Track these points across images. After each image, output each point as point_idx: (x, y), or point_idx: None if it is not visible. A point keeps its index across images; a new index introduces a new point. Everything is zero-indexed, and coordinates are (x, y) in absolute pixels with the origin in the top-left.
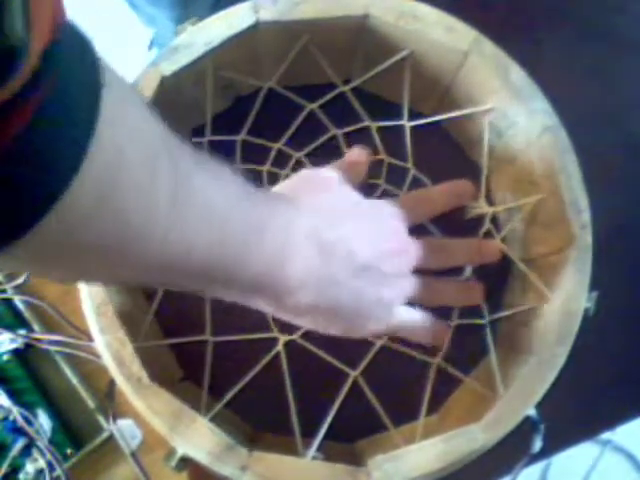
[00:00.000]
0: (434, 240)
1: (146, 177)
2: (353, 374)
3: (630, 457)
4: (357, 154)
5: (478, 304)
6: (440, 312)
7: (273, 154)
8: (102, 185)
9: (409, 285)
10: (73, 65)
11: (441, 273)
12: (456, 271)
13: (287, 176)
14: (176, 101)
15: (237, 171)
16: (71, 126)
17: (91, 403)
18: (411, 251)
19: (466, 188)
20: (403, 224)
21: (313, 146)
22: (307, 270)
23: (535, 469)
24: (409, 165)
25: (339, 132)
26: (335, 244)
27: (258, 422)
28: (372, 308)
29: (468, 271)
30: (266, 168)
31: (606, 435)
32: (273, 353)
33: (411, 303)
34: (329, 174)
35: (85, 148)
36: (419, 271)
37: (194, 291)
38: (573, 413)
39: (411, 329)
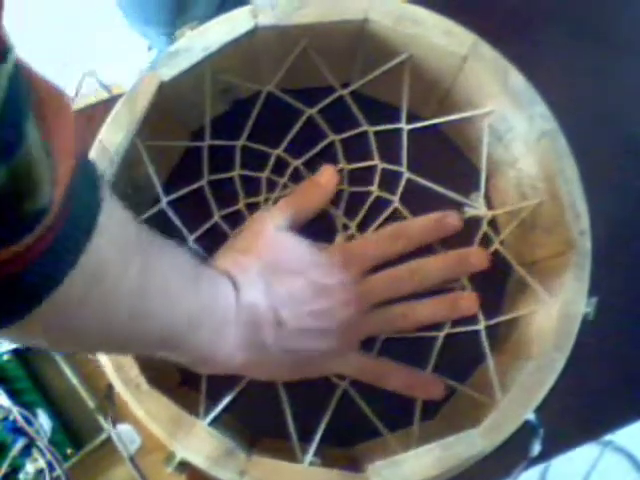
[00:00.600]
0: (399, 268)
1: (121, 270)
2: (342, 384)
3: (630, 457)
4: (326, 175)
5: (471, 314)
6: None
7: (272, 160)
8: (88, 278)
9: (351, 334)
10: (81, 189)
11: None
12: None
13: (285, 185)
14: (175, 105)
15: (188, 250)
16: (75, 238)
17: (91, 403)
18: (350, 300)
19: (453, 223)
20: (340, 276)
21: (311, 154)
22: (237, 343)
23: (534, 470)
24: (403, 169)
25: (337, 138)
26: (265, 315)
27: (256, 427)
28: (309, 361)
29: (463, 279)
30: (265, 175)
31: (606, 436)
32: None
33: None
34: (270, 231)
35: (80, 254)
36: (392, 301)
37: (147, 356)
38: (573, 417)
39: (374, 376)
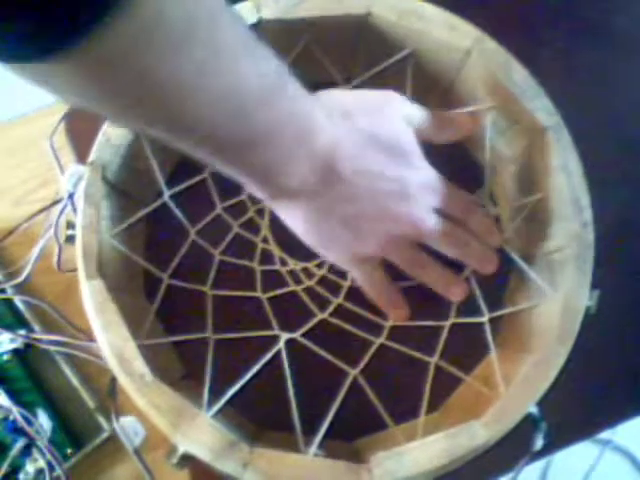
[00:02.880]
0: (459, 232)
1: (185, 26)
2: (353, 372)
3: (630, 457)
4: (467, 119)
5: (456, 300)
6: (439, 310)
7: None
8: (151, 13)
9: (386, 250)
10: None
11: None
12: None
13: None
14: None
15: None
16: None
17: (91, 403)
18: (420, 227)
19: (496, 240)
20: (434, 197)
21: None
22: (303, 180)
23: (535, 468)
24: None
25: None
26: (343, 180)
27: (260, 419)
28: (346, 236)
29: (468, 270)
30: None
31: (606, 435)
32: (274, 351)
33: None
34: (396, 111)
35: None
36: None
37: (200, 158)
38: (574, 411)
39: (370, 291)
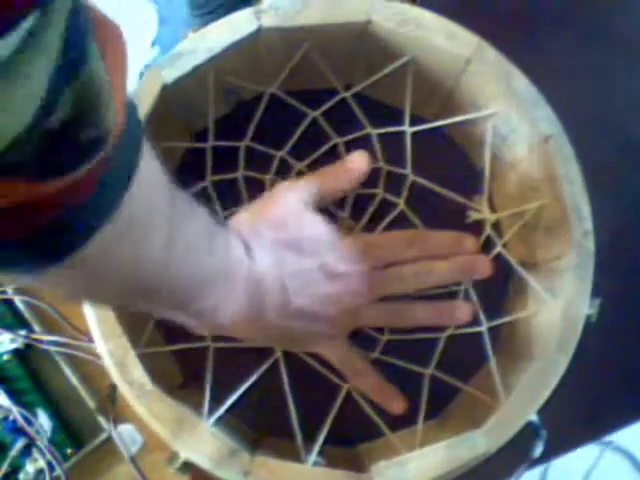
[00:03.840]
0: (407, 267)
1: (151, 219)
2: (346, 386)
3: (631, 458)
4: (357, 160)
5: (465, 322)
6: None
7: (276, 163)
8: (123, 222)
9: (348, 322)
10: (130, 127)
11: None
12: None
13: None
14: (177, 106)
15: (204, 209)
16: (118, 184)
17: (91, 403)
18: (360, 292)
19: (469, 245)
20: (354, 262)
21: (314, 156)
22: (239, 306)
23: (534, 470)
24: (408, 172)
25: (340, 141)
26: (272, 287)
27: (260, 427)
28: (300, 337)
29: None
30: (269, 177)
31: (608, 436)
32: (272, 359)
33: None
34: (292, 203)
35: (121, 199)
36: (393, 296)
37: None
38: (575, 418)
39: (350, 371)
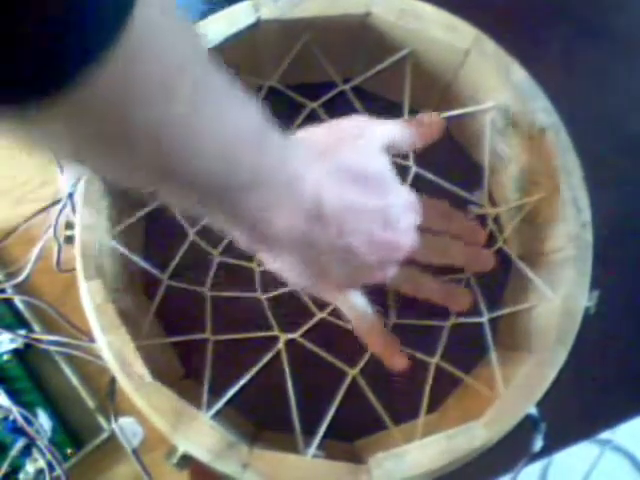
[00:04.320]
0: (438, 240)
1: (172, 67)
2: (352, 372)
3: (630, 457)
4: (435, 122)
5: (460, 309)
6: (439, 310)
7: None
8: (135, 53)
9: (380, 276)
10: None
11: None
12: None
13: None
14: None
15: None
16: None
17: (91, 403)
18: (403, 249)
19: (480, 237)
20: (414, 217)
21: None
22: (291, 225)
23: (535, 468)
24: (410, 163)
25: None
26: (330, 219)
27: (259, 420)
28: (335, 278)
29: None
30: None
31: (606, 435)
32: (274, 352)
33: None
34: (375, 140)
35: (129, 14)
36: (413, 261)
37: (182, 206)
38: (574, 411)
39: (359, 321)
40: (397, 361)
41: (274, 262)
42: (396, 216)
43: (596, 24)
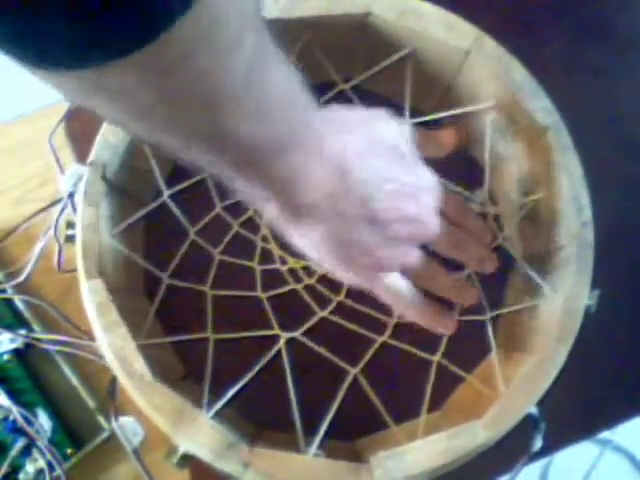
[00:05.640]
0: (457, 232)
1: (238, 32)
2: (353, 371)
3: (630, 457)
4: (450, 135)
5: (467, 305)
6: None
7: None
8: (205, 20)
9: (410, 256)
10: None
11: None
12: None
13: None
14: None
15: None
16: None
17: (91, 403)
18: (429, 228)
19: (486, 239)
20: (435, 199)
21: None
22: (320, 190)
23: (535, 468)
24: None
25: None
26: (354, 184)
27: (260, 419)
28: (363, 257)
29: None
30: None
31: (606, 435)
32: (274, 351)
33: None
34: (397, 128)
35: None
36: (428, 251)
37: (217, 170)
38: (574, 411)
39: (397, 299)
40: (448, 326)
41: (304, 239)
42: (419, 192)
43: (597, 24)
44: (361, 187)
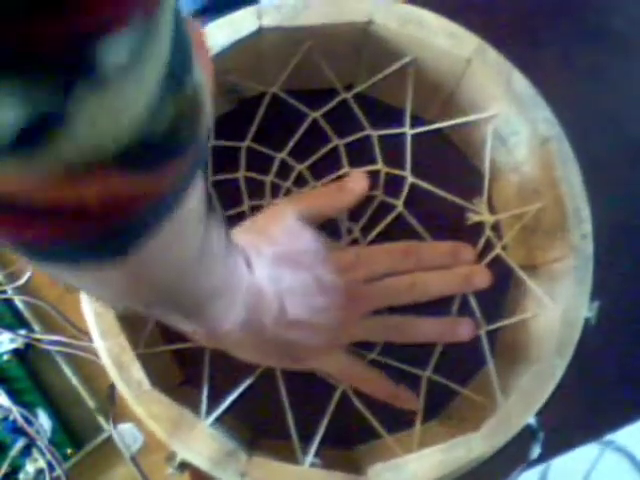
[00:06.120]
0: (401, 279)
1: (195, 217)
2: (341, 387)
3: (630, 457)
4: (357, 181)
5: (464, 340)
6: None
7: (276, 164)
8: (181, 219)
9: (344, 335)
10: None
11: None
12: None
13: (288, 189)
14: None
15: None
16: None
17: (91, 403)
18: (350, 303)
19: (466, 255)
20: (346, 277)
21: (315, 158)
22: (239, 320)
23: (534, 470)
24: (406, 174)
25: (341, 142)
26: (270, 300)
27: (257, 426)
28: (296, 353)
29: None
30: (269, 179)
31: (607, 435)
32: None
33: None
34: (289, 219)
35: (186, 193)
36: (393, 309)
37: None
38: (575, 417)
39: (361, 380)
40: (410, 406)
41: (238, 351)
42: (325, 280)
43: (596, 25)
44: (274, 301)
